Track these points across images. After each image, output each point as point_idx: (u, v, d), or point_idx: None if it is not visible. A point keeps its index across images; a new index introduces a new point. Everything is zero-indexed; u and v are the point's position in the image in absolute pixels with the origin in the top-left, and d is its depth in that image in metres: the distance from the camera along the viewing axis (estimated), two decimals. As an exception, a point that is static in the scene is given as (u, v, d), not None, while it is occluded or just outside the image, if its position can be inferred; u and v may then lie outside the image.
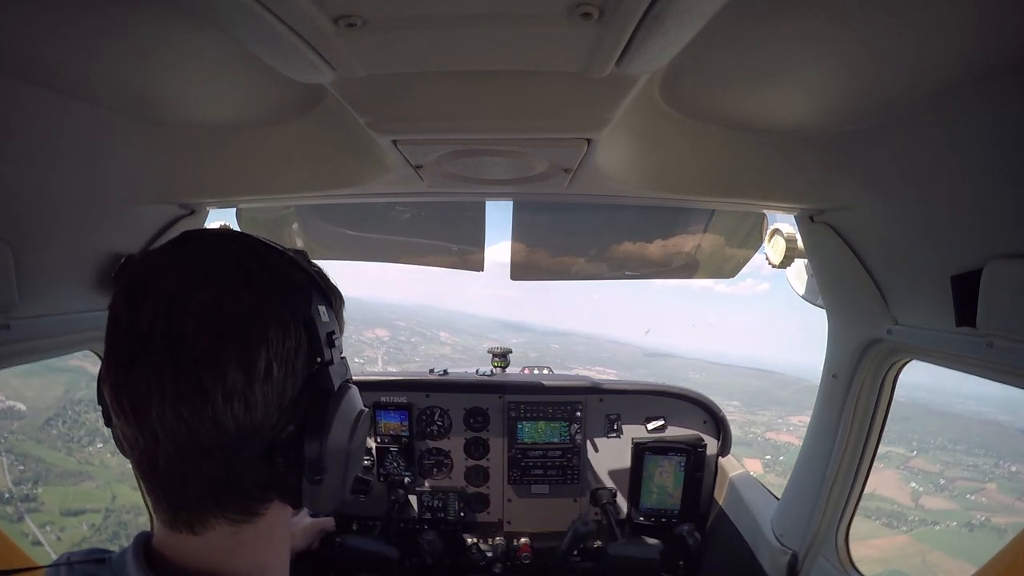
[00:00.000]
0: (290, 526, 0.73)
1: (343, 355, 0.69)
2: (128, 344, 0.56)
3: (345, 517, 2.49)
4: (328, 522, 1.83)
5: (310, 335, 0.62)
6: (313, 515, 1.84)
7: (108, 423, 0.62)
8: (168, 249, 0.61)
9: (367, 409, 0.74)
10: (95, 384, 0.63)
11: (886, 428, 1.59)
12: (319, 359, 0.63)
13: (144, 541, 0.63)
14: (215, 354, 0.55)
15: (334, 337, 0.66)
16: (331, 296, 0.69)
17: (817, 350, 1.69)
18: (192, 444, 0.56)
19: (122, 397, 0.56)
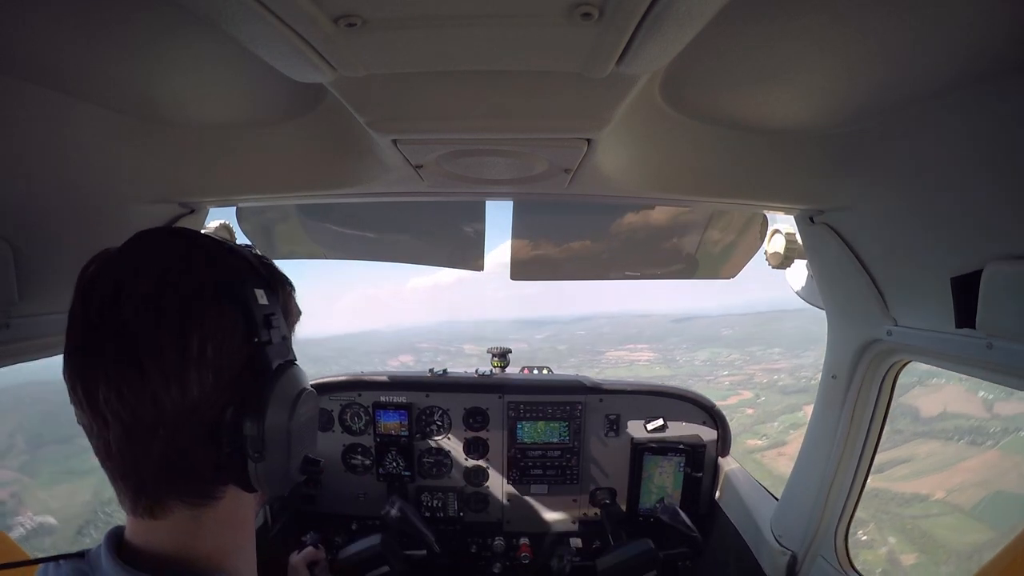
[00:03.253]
0: (254, 511, 0.76)
1: (285, 336, 0.72)
2: (80, 335, 0.60)
3: (345, 517, 2.49)
4: (312, 552, 1.81)
5: (246, 317, 0.65)
6: (299, 551, 1.80)
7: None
8: (120, 247, 0.65)
9: (311, 389, 0.75)
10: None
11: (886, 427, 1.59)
12: (256, 340, 0.65)
13: (117, 532, 0.66)
14: (152, 337, 0.58)
15: (272, 318, 0.68)
16: (272, 281, 0.72)
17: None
18: (136, 425, 0.59)
19: (76, 385, 0.60)
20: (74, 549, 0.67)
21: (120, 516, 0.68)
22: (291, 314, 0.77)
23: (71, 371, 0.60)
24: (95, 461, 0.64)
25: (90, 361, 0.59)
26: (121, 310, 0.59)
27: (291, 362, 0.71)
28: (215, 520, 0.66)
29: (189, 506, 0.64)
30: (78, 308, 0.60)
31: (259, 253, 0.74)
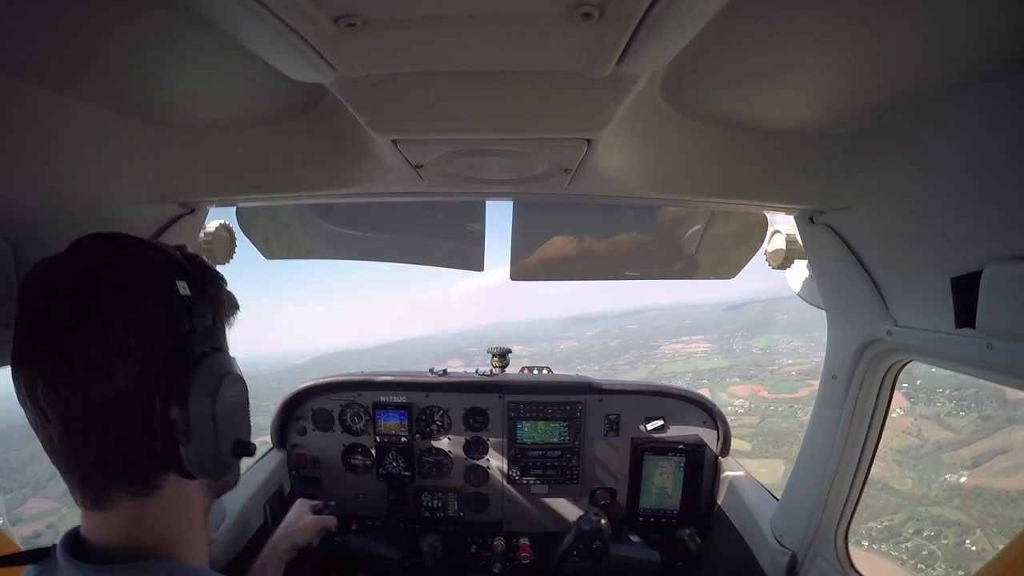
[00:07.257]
0: (202, 506, 0.79)
1: (210, 324, 0.74)
2: (21, 336, 0.64)
3: (345, 517, 2.49)
4: (330, 521, 1.83)
5: (169, 308, 0.68)
6: (316, 512, 1.84)
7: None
8: (56, 254, 0.69)
9: (237, 372, 0.77)
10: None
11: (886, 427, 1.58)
12: (177, 328, 0.69)
13: (73, 530, 0.70)
14: (77, 333, 0.63)
15: (195, 308, 0.71)
16: (196, 273, 0.75)
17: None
18: (71, 417, 0.63)
19: (19, 383, 0.64)
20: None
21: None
22: (222, 306, 0.80)
23: (14, 371, 0.65)
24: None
25: (28, 359, 0.63)
26: (51, 311, 0.63)
27: (216, 348, 0.74)
28: (160, 510, 0.69)
29: (132, 496, 0.67)
30: (20, 312, 0.65)
31: (188, 252, 0.77)
